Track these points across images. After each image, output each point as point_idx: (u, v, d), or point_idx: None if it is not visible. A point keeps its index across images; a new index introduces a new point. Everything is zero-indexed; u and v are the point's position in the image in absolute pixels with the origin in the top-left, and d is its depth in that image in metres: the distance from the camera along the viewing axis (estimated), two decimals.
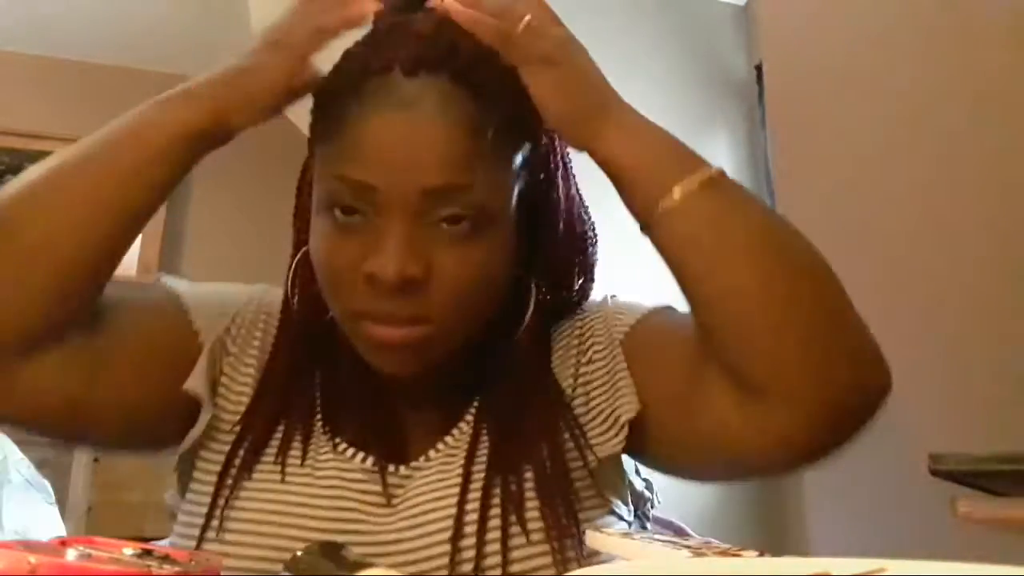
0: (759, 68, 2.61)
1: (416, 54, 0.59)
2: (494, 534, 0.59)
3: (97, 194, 0.58)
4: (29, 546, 0.21)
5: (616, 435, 0.63)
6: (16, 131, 3.43)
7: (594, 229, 0.73)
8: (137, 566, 0.21)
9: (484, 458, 0.63)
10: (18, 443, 2.03)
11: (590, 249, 0.72)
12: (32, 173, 0.59)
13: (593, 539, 0.37)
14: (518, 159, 0.62)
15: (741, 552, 0.30)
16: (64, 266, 0.57)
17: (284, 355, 0.67)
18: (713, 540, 0.44)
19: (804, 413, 0.54)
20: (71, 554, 0.20)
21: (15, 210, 0.57)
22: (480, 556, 0.58)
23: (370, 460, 0.63)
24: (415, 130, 0.57)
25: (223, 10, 3.22)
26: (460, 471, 0.62)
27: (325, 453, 0.64)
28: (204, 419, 0.63)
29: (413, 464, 0.64)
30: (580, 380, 0.68)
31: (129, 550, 0.23)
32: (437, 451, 0.64)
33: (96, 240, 0.58)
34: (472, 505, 0.60)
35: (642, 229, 0.59)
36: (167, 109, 0.61)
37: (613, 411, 0.64)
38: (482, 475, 0.61)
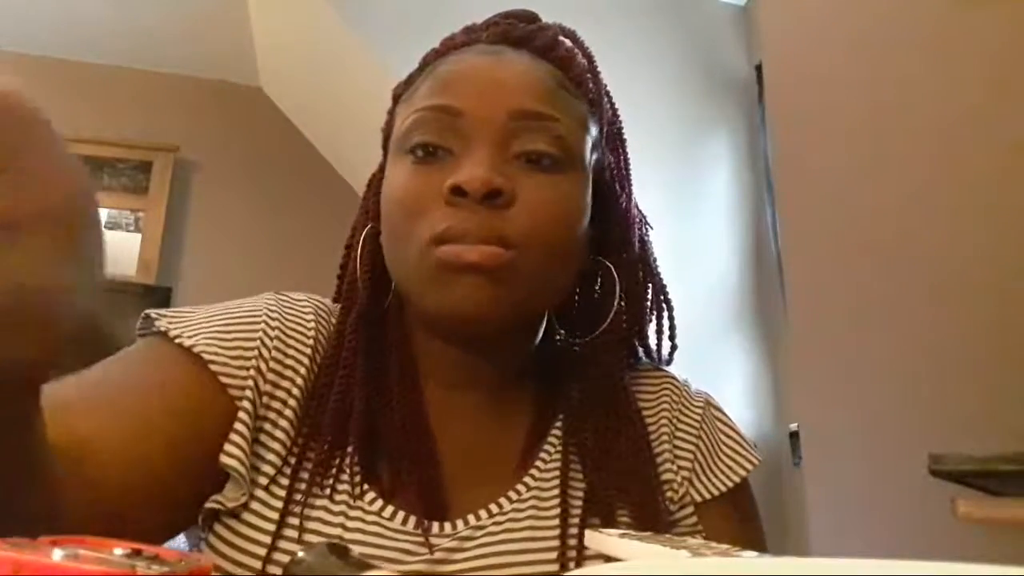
0: (759, 68, 2.61)
1: (500, 31, 0.63)
2: None
3: None
4: (16, 545, 0.20)
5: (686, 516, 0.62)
6: None
7: (655, 258, 0.69)
8: (123, 566, 0.21)
9: (580, 496, 0.58)
10: None
11: (653, 262, 0.69)
12: None
13: (592, 539, 0.37)
14: (593, 128, 0.61)
15: (741, 552, 0.30)
16: None
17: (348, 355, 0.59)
18: (712, 540, 0.44)
19: None
20: (57, 554, 0.20)
21: None
22: None
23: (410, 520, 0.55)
24: (502, 64, 0.58)
25: (223, 11, 3.22)
26: (556, 512, 0.57)
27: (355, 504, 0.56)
28: (235, 495, 0.54)
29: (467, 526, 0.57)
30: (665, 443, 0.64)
31: (119, 550, 0.23)
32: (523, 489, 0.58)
33: None
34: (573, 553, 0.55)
35: None
36: None
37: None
38: (578, 515, 0.57)
